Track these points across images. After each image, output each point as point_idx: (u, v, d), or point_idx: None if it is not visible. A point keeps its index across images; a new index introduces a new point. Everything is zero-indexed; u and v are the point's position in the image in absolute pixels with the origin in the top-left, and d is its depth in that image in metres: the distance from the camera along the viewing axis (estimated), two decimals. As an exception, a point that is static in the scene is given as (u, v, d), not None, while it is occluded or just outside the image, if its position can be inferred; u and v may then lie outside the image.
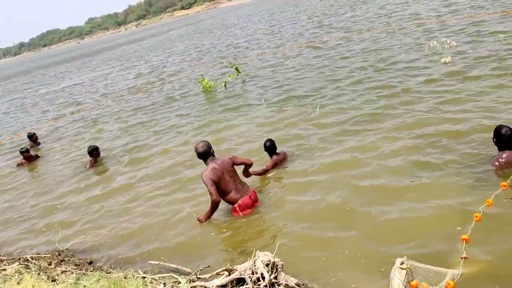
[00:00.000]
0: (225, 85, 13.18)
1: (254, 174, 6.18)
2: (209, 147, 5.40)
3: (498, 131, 4.88)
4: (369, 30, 16.36)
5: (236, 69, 13.72)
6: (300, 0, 49.47)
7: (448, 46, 10.72)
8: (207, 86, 13.26)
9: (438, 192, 4.80)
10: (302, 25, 24.49)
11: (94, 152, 8.93)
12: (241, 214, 5.38)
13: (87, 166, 8.88)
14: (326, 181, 5.74)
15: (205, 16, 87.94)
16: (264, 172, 6.35)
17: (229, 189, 5.33)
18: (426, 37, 12.49)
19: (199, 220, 5.40)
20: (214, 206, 5.27)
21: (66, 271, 4.78)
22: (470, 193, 4.60)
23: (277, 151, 6.61)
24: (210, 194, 5.16)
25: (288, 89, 11.02)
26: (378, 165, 5.75)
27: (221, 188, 5.27)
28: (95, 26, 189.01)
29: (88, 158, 9.03)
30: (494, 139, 4.95)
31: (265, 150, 6.55)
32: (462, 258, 3.62)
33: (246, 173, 5.91)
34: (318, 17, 26.24)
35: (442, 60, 9.68)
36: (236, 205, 5.37)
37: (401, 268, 3.36)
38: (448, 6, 17.07)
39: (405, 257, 3.42)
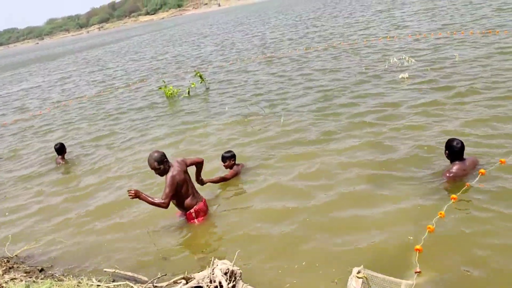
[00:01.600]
0: (188, 93, 13.10)
1: (210, 182, 6.03)
2: (164, 154, 5.21)
3: (450, 143, 5.12)
4: (332, 46, 16.77)
5: (200, 76, 13.66)
6: (264, 12, 50.13)
7: (406, 63, 11.11)
8: (169, 93, 13.13)
9: (392, 204, 4.93)
10: (264, 38, 24.76)
11: (63, 148, 8.73)
12: (196, 221, 5.32)
13: (61, 162, 8.69)
14: (284, 191, 5.77)
15: (171, 23, 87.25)
16: (220, 180, 6.23)
17: (188, 193, 5.25)
18: (386, 54, 12.92)
19: (129, 191, 4.98)
20: (158, 207, 5.04)
21: (14, 278, 4.57)
22: (422, 205, 4.76)
23: (236, 162, 6.55)
24: (165, 195, 4.97)
25: (250, 99, 11.08)
26: (333, 178, 5.84)
27: (181, 192, 5.17)
28: (55, 27, 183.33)
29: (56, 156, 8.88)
30: (446, 152, 5.17)
31: (226, 160, 6.42)
32: (415, 272, 3.73)
33: (200, 180, 5.76)
34: (280, 31, 26.62)
35: (400, 76, 10.04)
36: (192, 210, 5.31)
37: (357, 277, 3.42)
38: (405, 27, 17.79)
39: (362, 266, 3.49)
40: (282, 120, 8.57)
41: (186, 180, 5.22)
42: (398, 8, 24.61)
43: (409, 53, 12.29)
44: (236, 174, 6.41)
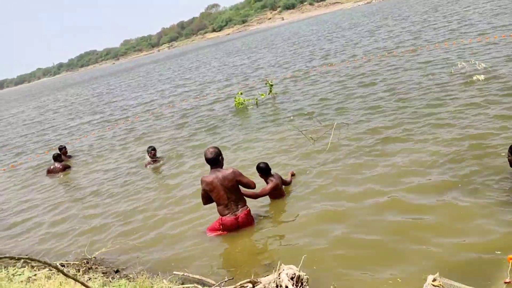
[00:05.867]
0: (256, 103, 13.31)
1: (244, 195, 5.65)
2: (218, 154, 5.40)
3: None
4: (395, 52, 16.26)
5: (271, 86, 13.84)
6: (324, 20, 49.74)
7: (479, 67, 10.40)
8: (239, 102, 13.38)
9: (475, 213, 4.61)
10: (337, 45, 24.61)
11: (152, 150, 9.46)
12: (218, 231, 5.43)
13: (146, 166, 9.42)
14: (353, 197, 5.64)
15: (239, 41, 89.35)
16: (254, 196, 5.81)
17: (219, 203, 5.38)
18: (455, 58, 12.30)
19: None
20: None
21: (94, 278, 4.83)
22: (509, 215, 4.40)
23: (272, 172, 6.13)
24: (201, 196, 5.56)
25: (313, 109, 11.02)
26: (406, 184, 5.59)
27: (214, 200, 5.43)
28: (129, 47, 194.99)
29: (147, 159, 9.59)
30: None
31: (259, 171, 6.07)
32: (505, 282, 3.44)
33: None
34: (352, 37, 26.29)
35: (475, 78, 9.48)
36: (220, 219, 5.41)
37: (433, 285, 3.24)
38: (483, 31, 16.85)
39: (437, 273, 3.30)
40: (331, 135, 7.87)
41: (218, 191, 5.31)
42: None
43: (477, 56, 11.53)
44: (274, 188, 5.98)
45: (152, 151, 9.46)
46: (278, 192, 6.08)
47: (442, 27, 20.14)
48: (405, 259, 4.13)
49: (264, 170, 6.08)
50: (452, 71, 10.82)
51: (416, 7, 36.73)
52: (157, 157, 9.55)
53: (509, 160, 4.81)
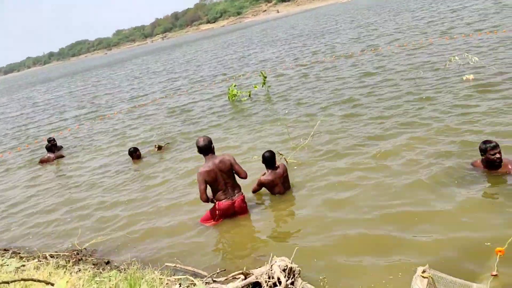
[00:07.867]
0: (249, 95, 13.22)
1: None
2: (210, 142, 5.43)
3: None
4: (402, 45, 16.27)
5: (265, 78, 13.78)
6: (320, 13, 49.59)
7: (470, 62, 10.29)
8: (232, 94, 13.31)
9: (468, 208, 4.66)
10: (332, 40, 24.59)
11: (134, 153, 9.32)
12: (212, 220, 5.53)
13: (133, 160, 9.32)
14: (341, 186, 5.70)
15: (234, 34, 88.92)
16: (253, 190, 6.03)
17: (218, 188, 5.41)
18: (447, 53, 12.32)
19: None
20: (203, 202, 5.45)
21: (83, 269, 4.80)
22: (501, 211, 4.44)
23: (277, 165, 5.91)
24: (199, 192, 5.31)
25: (310, 103, 11.02)
26: (394, 181, 5.61)
27: (212, 187, 5.40)
28: (122, 38, 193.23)
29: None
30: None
31: (263, 161, 5.88)
32: (492, 275, 3.46)
33: None
34: (347, 32, 26.27)
35: (464, 78, 9.46)
36: (217, 204, 5.45)
37: (422, 276, 3.24)
38: (470, 23, 16.89)
39: (427, 265, 3.31)
40: (312, 131, 7.92)
41: (217, 178, 5.34)
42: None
43: (472, 52, 11.44)
44: (271, 181, 5.83)
45: (135, 151, 9.32)
46: (276, 187, 5.88)
47: (437, 22, 20.15)
48: (396, 252, 4.14)
49: (266, 160, 5.84)
50: (446, 66, 10.80)
51: (411, 2, 36.75)
52: (141, 155, 9.41)
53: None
